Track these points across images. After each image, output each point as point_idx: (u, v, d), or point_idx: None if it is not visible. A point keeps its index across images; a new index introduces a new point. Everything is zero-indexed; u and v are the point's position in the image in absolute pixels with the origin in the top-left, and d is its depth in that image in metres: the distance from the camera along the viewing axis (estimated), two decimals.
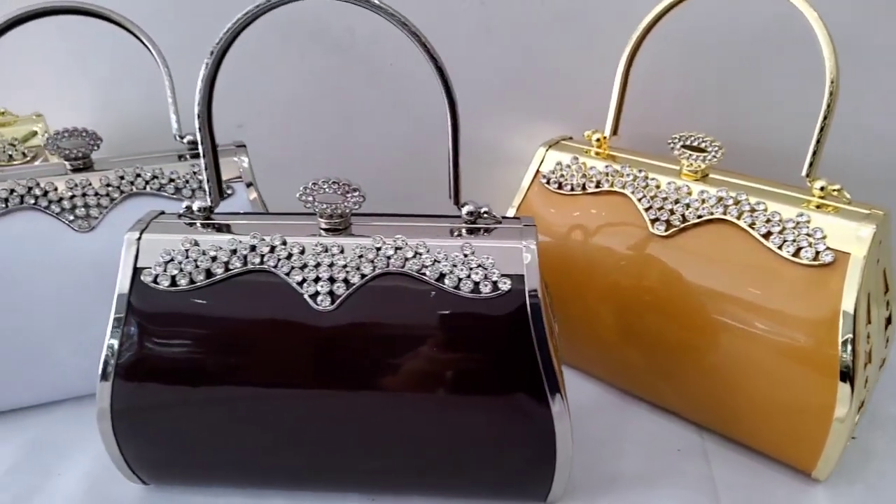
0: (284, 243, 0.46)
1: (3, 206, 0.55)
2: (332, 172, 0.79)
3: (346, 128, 0.78)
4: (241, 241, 0.46)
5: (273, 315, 0.46)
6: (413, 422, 0.46)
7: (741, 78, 0.69)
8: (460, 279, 0.45)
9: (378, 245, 0.46)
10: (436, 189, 0.75)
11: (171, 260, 0.46)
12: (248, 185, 0.62)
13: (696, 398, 0.56)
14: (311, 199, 0.47)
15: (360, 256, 0.45)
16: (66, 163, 0.58)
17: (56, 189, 0.57)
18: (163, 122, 0.81)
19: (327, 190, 0.46)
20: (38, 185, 0.56)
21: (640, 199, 0.56)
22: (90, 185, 0.57)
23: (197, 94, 0.45)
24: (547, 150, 0.63)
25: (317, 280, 0.45)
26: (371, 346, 0.45)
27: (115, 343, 0.46)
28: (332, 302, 0.45)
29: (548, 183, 0.62)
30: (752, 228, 0.51)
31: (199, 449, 0.48)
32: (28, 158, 0.71)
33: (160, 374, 0.46)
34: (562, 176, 0.61)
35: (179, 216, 0.50)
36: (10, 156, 0.70)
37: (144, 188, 0.58)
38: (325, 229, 0.47)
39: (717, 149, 0.55)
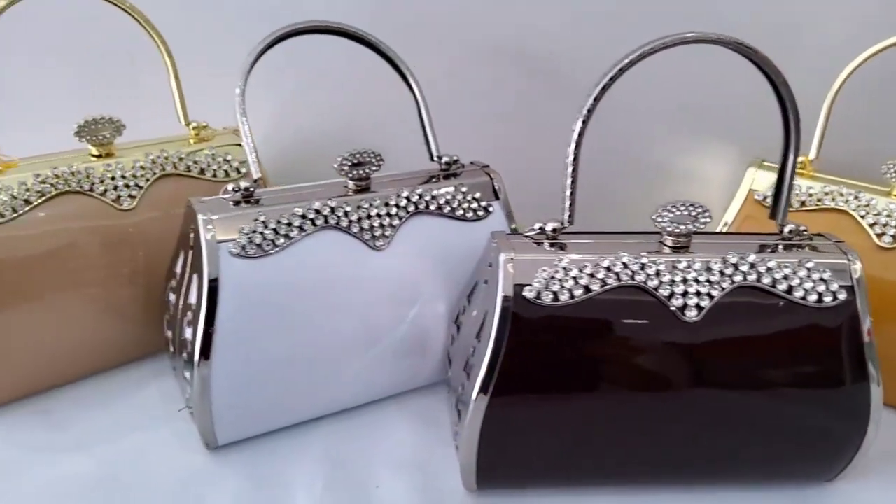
0: (648, 261, 0.51)
1: (311, 225, 0.56)
2: (519, 192, 0.83)
3: (536, 148, 0.81)
4: (611, 259, 0.50)
5: (645, 326, 0.50)
6: (762, 415, 0.51)
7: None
8: (806, 291, 0.51)
9: (734, 261, 0.51)
10: (622, 205, 0.81)
11: (552, 277, 0.50)
12: (505, 203, 0.65)
13: None
14: (663, 219, 0.52)
15: (721, 272, 0.51)
16: (351, 183, 0.59)
17: (350, 209, 0.58)
18: (335, 137, 0.83)
19: (682, 211, 0.52)
20: (337, 205, 0.57)
21: (863, 217, 0.65)
22: (377, 204, 0.59)
23: (575, 132, 0.49)
24: (756, 171, 0.71)
25: (684, 294, 0.50)
26: (733, 351, 0.51)
27: (498, 356, 0.49)
28: (699, 313, 0.50)
29: (764, 200, 0.69)
30: None
31: (553, 454, 0.52)
32: (241, 174, 0.70)
33: (539, 383, 0.50)
34: None
35: (525, 236, 0.53)
36: (226, 171, 0.69)
37: (427, 208, 0.61)
38: (671, 247, 0.52)
39: None
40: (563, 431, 0.51)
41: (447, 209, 0.62)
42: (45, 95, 0.79)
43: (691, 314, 0.50)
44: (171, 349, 0.60)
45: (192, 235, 0.55)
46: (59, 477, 0.56)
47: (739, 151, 0.79)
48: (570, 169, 0.51)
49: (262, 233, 0.54)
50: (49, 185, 0.60)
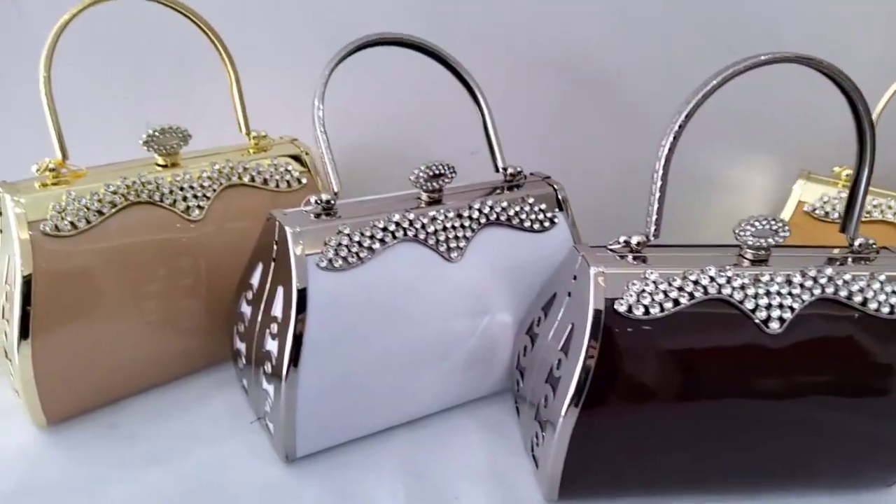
0: (733, 274, 0.52)
1: (392, 237, 0.56)
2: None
3: (582, 159, 0.83)
4: (697, 272, 0.52)
5: (731, 338, 0.51)
6: (836, 422, 0.53)
7: None
8: (879, 303, 0.53)
9: (813, 274, 0.53)
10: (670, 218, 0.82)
11: (643, 290, 0.51)
12: (570, 214, 0.66)
13: None
14: (745, 233, 0.53)
15: (801, 285, 0.52)
16: (425, 195, 0.60)
17: (426, 221, 0.58)
18: (390, 149, 0.83)
19: (764, 226, 0.53)
20: (415, 217, 0.58)
21: None
22: (451, 216, 0.59)
23: (665, 148, 0.50)
24: (805, 183, 0.73)
25: (768, 307, 0.51)
26: (813, 361, 0.52)
27: (590, 369, 0.50)
28: (781, 325, 0.51)
29: (812, 212, 0.71)
30: None
31: (638, 463, 0.53)
32: (302, 185, 0.70)
33: (629, 395, 0.51)
34: (832, 207, 0.71)
35: (609, 249, 0.54)
36: (288, 182, 0.69)
37: (497, 219, 0.61)
38: (751, 260, 0.54)
39: None
40: (650, 442, 0.52)
41: (515, 220, 0.62)
42: (100, 105, 0.79)
43: (774, 326, 0.51)
44: (243, 361, 0.60)
45: (274, 247, 0.55)
46: (135, 493, 0.55)
47: (780, 162, 0.80)
48: (659, 184, 0.52)
49: (346, 245, 0.54)
50: (120, 196, 0.59)
